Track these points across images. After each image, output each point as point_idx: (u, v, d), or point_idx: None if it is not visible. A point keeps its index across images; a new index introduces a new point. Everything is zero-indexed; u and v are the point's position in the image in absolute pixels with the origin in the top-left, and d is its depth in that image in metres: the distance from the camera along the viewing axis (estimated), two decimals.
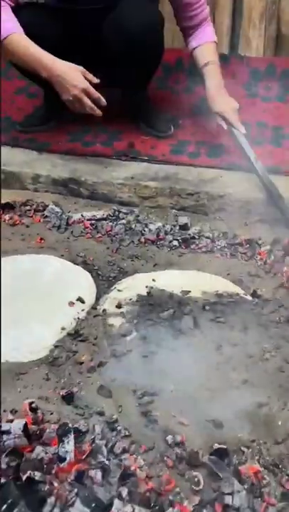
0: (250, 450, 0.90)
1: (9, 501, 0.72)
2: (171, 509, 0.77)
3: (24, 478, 0.79)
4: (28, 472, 0.79)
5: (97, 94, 1.58)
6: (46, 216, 1.59)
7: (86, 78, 1.57)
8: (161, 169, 1.73)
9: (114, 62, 1.73)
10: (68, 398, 1.01)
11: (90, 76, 1.58)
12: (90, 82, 1.58)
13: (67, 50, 1.63)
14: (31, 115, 2.00)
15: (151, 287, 1.28)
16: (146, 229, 1.54)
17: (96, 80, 1.59)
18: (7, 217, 1.58)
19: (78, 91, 1.56)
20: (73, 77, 1.56)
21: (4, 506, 0.72)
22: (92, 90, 1.57)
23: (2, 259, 1.39)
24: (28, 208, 1.62)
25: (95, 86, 1.60)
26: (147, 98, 1.97)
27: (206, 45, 1.79)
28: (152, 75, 1.85)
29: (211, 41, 1.80)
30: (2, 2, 1.57)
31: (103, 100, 1.60)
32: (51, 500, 0.77)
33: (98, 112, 1.61)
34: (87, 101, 1.58)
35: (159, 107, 2.00)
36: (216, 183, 1.65)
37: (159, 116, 1.96)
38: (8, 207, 1.60)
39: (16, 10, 1.61)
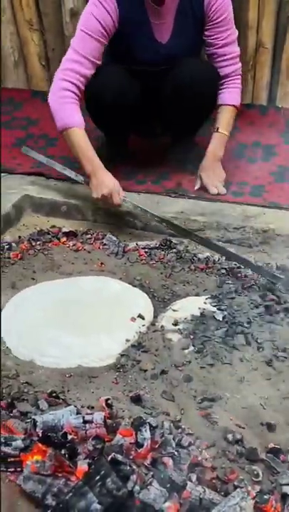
0: None
1: (102, 472, 0.84)
2: (239, 490, 0.87)
3: (109, 458, 0.91)
4: (112, 454, 0.92)
5: (120, 201, 1.76)
6: (105, 244, 1.77)
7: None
8: (207, 206, 1.90)
9: (171, 114, 1.95)
10: (136, 399, 1.13)
11: (122, 192, 1.78)
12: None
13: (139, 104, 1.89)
14: None
15: (204, 308, 1.42)
16: (195, 258, 1.70)
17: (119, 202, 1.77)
18: (70, 243, 1.76)
19: (108, 192, 1.73)
20: (108, 182, 1.75)
21: (98, 476, 0.84)
22: (116, 197, 1.75)
23: (68, 279, 1.57)
24: (88, 236, 1.80)
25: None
26: (194, 142, 2.18)
27: (225, 108, 1.94)
28: (202, 123, 2.07)
29: (231, 104, 1.94)
30: (71, 95, 1.76)
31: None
32: (133, 477, 0.88)
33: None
34: (114, 201, 1.75)
35: (204, 151, 2.20)
36: (259, 219, 1.80)
37: (195, 151, 2.15)
38: (72, 235, 1.79)
39: (97, 69, 1.83)
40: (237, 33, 1.92)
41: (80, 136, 1.76)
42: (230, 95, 1.93)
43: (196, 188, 1.99)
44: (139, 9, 1.79)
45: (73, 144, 1.77)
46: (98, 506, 0.81)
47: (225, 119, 1.94)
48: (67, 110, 1.76)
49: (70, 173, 1.89)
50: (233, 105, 1.94)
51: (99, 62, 1.83)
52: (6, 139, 2.54)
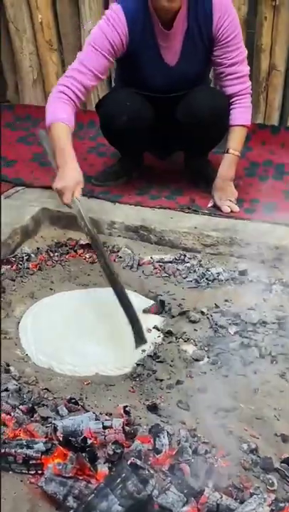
0: None
1: (123, 475, 0.87)
2: (255, 496, 0.90)
3: (128, 462, 0.94)
4: (132, 458, 0.94)
5: (68, 201, 1.61)
6: (120, 257, 1.81)
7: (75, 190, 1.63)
8: (221, 222, 1.94)
9: (185, 140, 2.01)
10: (152, 408, 1.16)
11: (78, 192, 1.63)
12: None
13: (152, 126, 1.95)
14: (105, 171, 2.29)
15: (216, 322, 1.45)
16: (208, 272, 1.73)
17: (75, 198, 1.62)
18: (87, 255, 1.81)
19: (62, 187, 1.62)
20: (69, 179, 1.64)
21: (119, 479, 0.87)
22: (68, 195, 1.61)
23: (85, 289, 1.61)
24: (104, 249, 1.84)
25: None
26: (207, 161, 2.23)
27: (236, 128, 1.96)
28: (215, 146, 2.12)
29: (241, 124, 1.96)
30: (66, 98, 1.78)
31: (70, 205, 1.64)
32: (152, 482, 0.91)
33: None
34: (63, 198, 1.63)
35: (216, 169, 2.26)
36: (271, 235, 1.84)
37: (210, 172, 2.20)
38: (88, 247, 1.83)
39: (114, 93, 1.93)
40: (246, 52, 1.95)
41: (62, 130, 1.74)
42: (241, 115, 1.96)
43: (209, 205, 2.04)
44: (149, 33, 1.85)
45: (53, 137, 1.74)
46: (119, 508, 0.84)
47: (235, 139, 1.98)
48: (57, 108, 1.79)
49: (52, 161, 1.77)
50: (243, 125, 1.98)
51: (102, 77, 1.88)
52: (23, 153, 2.61)
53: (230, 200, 2.02)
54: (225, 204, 2.00)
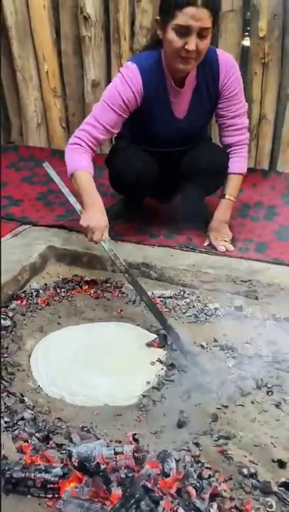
0: None
1: (136, 496, 0.95)
2: None
3: (140, 485, 1.02)
4: (143, 481, 1.03)
5: (99, 239, 1.78)
6: (123, 292, 1.92)
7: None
8: (217, 260, 2.07)
9: (186, 189, 2.19)
10: (158, 436, 1.25)
11: (106, 233, 1.82)
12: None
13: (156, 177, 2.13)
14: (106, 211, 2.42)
15: (215, 356, 1.56)
16: (205, 307, 1.85)
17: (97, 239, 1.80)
18: (92, 291, 1.92)
19: (93, 226, 1.79)
20: (98, 219, 1.81)
21: (132, 500, 0.95)
22: (98, 234, 1.78)
23: (91, 324, 1.71)
24: (108, 284, 1.96)
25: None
26: (204, 203, 2.39)
27: (234, 176, 2.12)
28: (212, 193, 2.29)
29: (238, 173, 2.12)
30: (82, 149, 1.93)
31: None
32: (162, 503, 0.99)
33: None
34: (94, 236, 1.78)
35: (212, 211, 2.40)
36: (264, 273, 1.97)
37: (208, 213, 2.35)
38: (93, 283, 1.95)
39: (120, 150, 2.10)
40: (247, 107, 2.13)
41: (86, 176, 1.88)
42: (238, 164, 2.13)
43: (205, 244, 2.18)
44: (162, 90, 2.00)
45: (78, 183, 1.88)
46: None
47: (232, 186, 2.14)
48: (77, 158, 1.93)
49: (72, 200, 1.91)
50: (240, 173, 2.15)
51: (114, 131, 2.03)
52: (29, 193, 2.75)
53: (225, 241, 2.16)
54: (220, 244, 2.14)
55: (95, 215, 1.82)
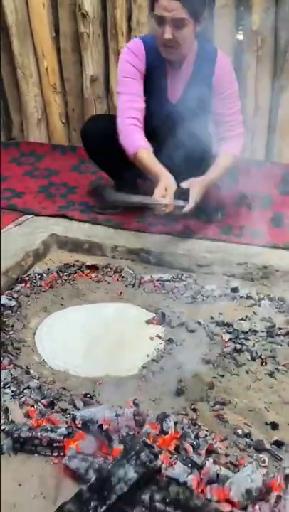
0: None
1: (137, 448, 1.02)
2: (249, 465, 1.05)
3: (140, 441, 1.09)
4: (143, 437, 1.10)
5: (169, 199, 1.94)
6: (123, 276, 1.99)
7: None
8: (213, 245, 2.14)
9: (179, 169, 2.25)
10: (157, 402, 1.32)
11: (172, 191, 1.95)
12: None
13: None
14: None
15: (212, 331, 1.63)
16: (202, 289, 1.91)
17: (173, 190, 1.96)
18: (93, 275, 1.99)
19: (163, 187, 1.94)
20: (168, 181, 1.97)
21: (133, 452, 1.02)
22: (170, 192, 1.95)
23: (92, 304, 1.78)
24: (108, 269, 2.02)
25: None
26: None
27: (225, 154, 2.20)
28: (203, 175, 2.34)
29: (231, 154, 2.21)
30: (132, 126, 2.06)
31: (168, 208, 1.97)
32: (161, 456, 1.06)
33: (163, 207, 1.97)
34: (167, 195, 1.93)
35: (209, 199, 2.47)
36: (260, 257, 2.04)
37: (209, 206, 2.42)
38: (94, 268, 2.01)
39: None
40: (240, 105, 2.23)
41: (147, 154, 2.02)
42: (233, 146, 2.22)
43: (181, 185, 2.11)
44: (161, 70, 2.11)
45: (142, 162, 2.02)
46: (134, 475, 0.98)
47: (224, 160, 2.19)
48: (133, 138, 2.05)
49: (164, 201, 1.95)
50: (233, 155, 2.22)
51: (144, 98, 2.12)
52: (30, 186, 2.83)
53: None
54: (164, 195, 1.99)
55: (168, 178, 1.96)
